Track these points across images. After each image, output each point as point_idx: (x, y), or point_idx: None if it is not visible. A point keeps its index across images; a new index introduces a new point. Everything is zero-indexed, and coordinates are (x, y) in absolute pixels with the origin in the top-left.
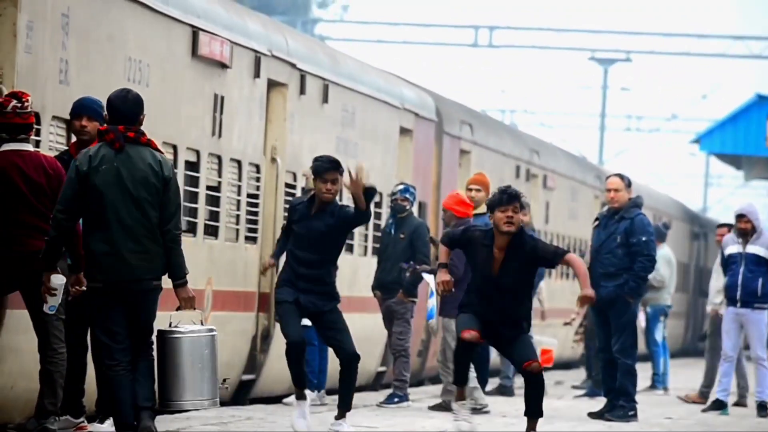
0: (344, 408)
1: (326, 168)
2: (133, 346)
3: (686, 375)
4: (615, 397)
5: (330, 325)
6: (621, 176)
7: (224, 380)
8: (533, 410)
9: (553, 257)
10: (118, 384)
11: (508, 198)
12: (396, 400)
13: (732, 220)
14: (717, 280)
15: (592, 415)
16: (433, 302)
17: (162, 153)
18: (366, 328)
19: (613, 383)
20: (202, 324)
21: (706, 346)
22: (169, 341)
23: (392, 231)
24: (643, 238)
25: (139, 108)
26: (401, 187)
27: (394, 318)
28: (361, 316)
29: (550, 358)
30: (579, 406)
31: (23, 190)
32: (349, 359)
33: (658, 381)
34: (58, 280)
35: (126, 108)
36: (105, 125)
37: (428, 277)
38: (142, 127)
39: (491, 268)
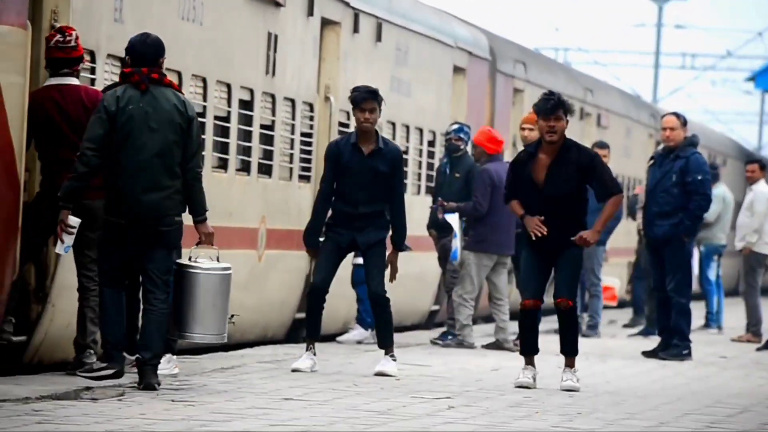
0: (383, 346)
1: (363, 97)
2: (140, 286)
3: (741, 314)
4: (669, 336)
5: (369, 258)
6: (677, 115)
7: (232, 316)
8: (567, 348)
9: (603, 188)
10: (110, 302)
11: (551, 107)
12: (450, 338)
13: None
14: (749, 218)
15: (646, 354)
16: (456, 243)
17: (183, 94)
18: (420, 267)
19: (667, 322)
20: (218, 261)
21: (743, 286)
22: (185, 275)
23: (447, 170)
24: (699, 177)
25: (160, 50)
26: (455, 126)
27: (449, 257)
28: (415, 255)
29: (613, 296)
30: (633, 345)
31: (60, 125)
32: (375, 299)
33: (712, 320)
34: (74, 221)
35: (147, 50)
36: (128, 68)
37: (450, 218)
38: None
39: (535, 178)
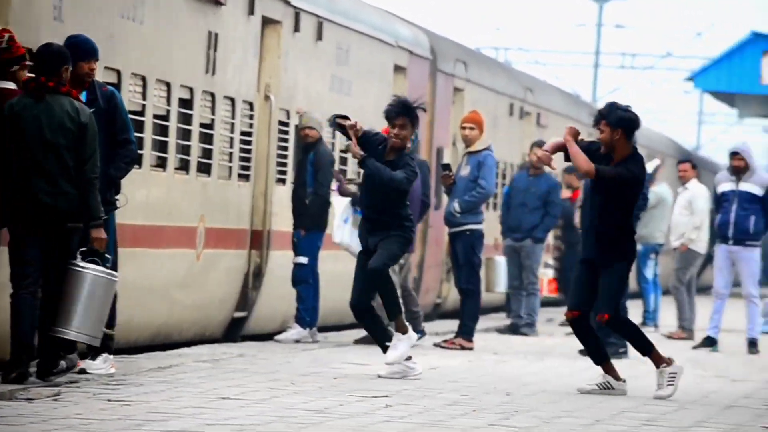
0: (390, 319)
1: (395, 112)
2: (48, 280)
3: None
4: (606, 334)
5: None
6: None
7: (111, 325)
8: (643, 348)
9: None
10: (21, 305)
11: (595, 120)
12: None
13: (726, 159)
14: (686, 216)
15: (583, 353)
16: (342, 225)
17: (81, 102)
18: None
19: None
20: (106, 267)
21: (673, 282)
22: (72, 273)
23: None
24: None
25: (61, 60)
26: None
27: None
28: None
29: (556, 288)
30: (570, 344)
31: None
32: (368, 272)
33: (648, 318)
34: None
35: (49, 59)
36: (33, 75)
37: (338, 200)
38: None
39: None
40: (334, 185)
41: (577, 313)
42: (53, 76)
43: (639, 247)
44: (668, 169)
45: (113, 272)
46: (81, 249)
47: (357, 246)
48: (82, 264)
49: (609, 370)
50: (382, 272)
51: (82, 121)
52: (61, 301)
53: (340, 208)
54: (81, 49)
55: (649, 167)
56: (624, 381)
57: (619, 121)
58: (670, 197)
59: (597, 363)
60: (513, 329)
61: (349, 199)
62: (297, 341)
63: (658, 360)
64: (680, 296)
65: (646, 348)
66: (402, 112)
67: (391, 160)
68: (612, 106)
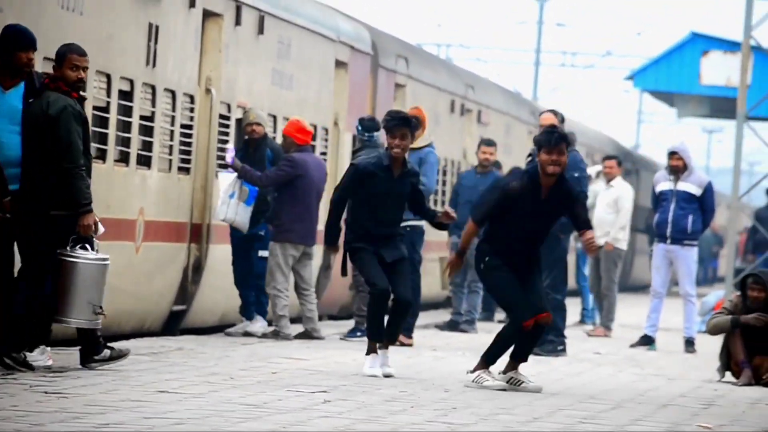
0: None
1: (394, 124)
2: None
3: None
4: (545, 332)
5: (395, 268)
6: (554, 112)
7: (100, 307)
8: (521, 355)
9: (577, 222)
10: None
11: (556, 140)
12: (359, 334)
13: (664, 158)
14: (611, 215)
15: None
16: (228, 201)
17: (74, 95)
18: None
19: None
20: (96, 252)
21: (606, 282)
22: (63, 263)
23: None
24: (576, 174)
25: (60, 53)
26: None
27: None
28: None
29: None
30: None
31: None
32: (400, 304)
33: (587, 316)
34: None
35: (55, 56)
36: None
37: (223, 175)
38: None
39: (535, 201)
40: (228, 158)
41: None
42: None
43: (578, 245)
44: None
45: (104, 257)
46: (72, 236)
47: (243, 222)
48: (73, 252)
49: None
50: (410, 303)
51: (51, 114)
52: (56, 289)
53: (225, 183)
54: (19, 39)
55: (592, 171)
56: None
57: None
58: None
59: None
60: (452, 326)
61: (235, 174)
62: (264, 335)
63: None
64: (612, 296)
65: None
66: (402, 123)
67: (403, 172)
68: (563, 131)
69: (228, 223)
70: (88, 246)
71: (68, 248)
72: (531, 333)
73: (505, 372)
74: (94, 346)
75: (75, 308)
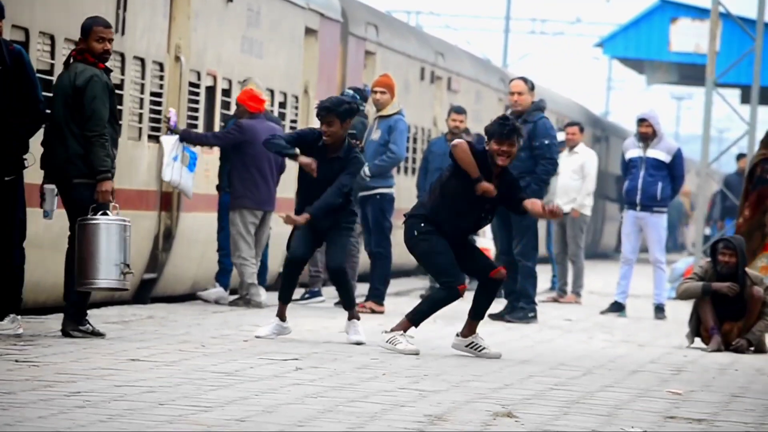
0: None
1: (321, 114)
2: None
3: (585, 278)
4: (515, 298)
5: (329, 238)
6: (524, 79)
7: (128, 266)
8: (480, 313)
9: (519, 208)
10: None
11: (508, 132)
12: (307, 296)
13: (634, 125)
14: (577, 181)
15: (493, 317)
16: (172, 163)
17: (101, 66)
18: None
19: (513, 285)
20: (117, 215)
21: (572, 249)
22: (85, 227)
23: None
24: (546, 141)
25: (85, 26)
26: (350, 92)
27: None
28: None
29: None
30: None
31: None
32: (331, 273)
33: (555, 283)
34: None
35: (81, 30)
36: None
37: (166, 138)
38: None
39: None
40: (172, 122)
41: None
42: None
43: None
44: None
45: (124, 219)
46: (92, 205)
47: (187, 186)
48: (94, 217)
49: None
50: (343, 270)
51: (77, 84)
52: (81, 255)
53: (168, 146)
54: None
55: (560, 136)
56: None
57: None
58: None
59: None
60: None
61: (177, 136)
62: (216, 301)
63: (474, 329)
64: (579, 262)
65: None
66: (328, 111)
67: (337, 157)
68: (514, 123)
69: (174, 186)
70: (107, 212)
71: (90, 214)
72: (488, 289)
73: (464, 335)
74: (80, 317)
75: (103, 270)
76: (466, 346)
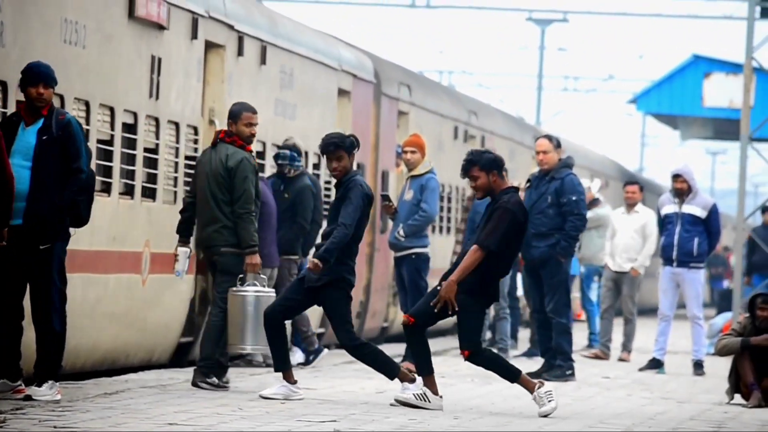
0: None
1: (330, 149)
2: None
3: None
4: (552, 356)
5: (325, 308)
6: (549, 137)
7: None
8: (511, 377)
9: (476, 238)
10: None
11: (463, 166)
12: (312, 357)
13: (669, 181)
14: (636, 240)
15: (530, 375)
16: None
17: (248, 149)
18: None
19: (549, 343)
20: (264, 287)
21: (629, 307)
22: (237, 297)
23: (281, 188)
24: (573, 198)
25: (236, 110)
26: (275, 153)
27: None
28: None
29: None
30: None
31: None
32: (347, 351)
33: (594, 340)
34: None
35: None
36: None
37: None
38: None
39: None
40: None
41: (413, 321)
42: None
43: (582, 269)
44: (612, 191)
45: (271, 291)
46: (240, 275)
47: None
48: (243, 288)
49: (430, 383)
50: (354, 347)
51: (229, 166)
52: (233, 321)
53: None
54: (27, 75)
55: (594, 187)
56: (441, 396)
57: (491, 163)
58: (610, 219)
59: (420, 373)
60: None
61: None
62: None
63: (529, 385)
64: (634, 321)
65: (514, 375)
66: (337, 147)
67: (340, 196)
68: (473, 152)
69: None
70: (256, 282)
71: (238, 284)
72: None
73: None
74: (210, 370)
75: (251, 336)
76: (414, 394)
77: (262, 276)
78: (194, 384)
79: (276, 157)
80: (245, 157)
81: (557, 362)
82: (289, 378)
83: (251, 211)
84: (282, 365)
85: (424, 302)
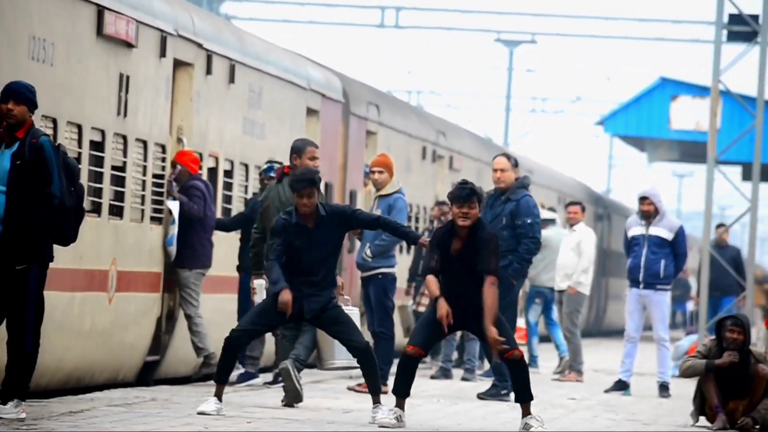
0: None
1: (301, 186)
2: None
3: (552, 354)
4: (500, 378)
5: (329, 321)
6: (507, 156)
7: None
8: (523, 395)
9: (480, 266)
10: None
11: (466, 194)
12: (281, 380)
13: (635, 203)
14: (573, 259)
15: (480, 396)
16: (174, 230)
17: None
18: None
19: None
20: (347, 306)
21: (567, 325)
22: None
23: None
24: (528, 220)
25: (299, 146)
26: (266, 166)
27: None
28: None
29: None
30: (483, 386)
31: None
32: (358, 353)
33: (532, 362)
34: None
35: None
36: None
37: (172, 204)
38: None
39: (451, 252)
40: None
41: (423, 353)
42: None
43: (527, 288)
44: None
45: (353, 308)
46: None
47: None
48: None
49: (402, 405)
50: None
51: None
52: (320, 341)
53: (175, 212)
54: (2, 90)
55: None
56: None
57: (482, 197)
58: (557, 240)
59: (400, 396)
60: (445, 373)
61: (178, 202)
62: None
63: (528, 410)
64: (576, 339)
65: (530, 396)
66: (311, 183)
67: (315, 224)
68: (472, 186)
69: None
70: (340, 303)
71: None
72: (510, 371)
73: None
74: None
75: (338, 352)
76: (522, 426)
77: (346, 297)
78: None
79: (269, 170)
80: None
81: (494, 381)
82: (220, 393)
83: None
84: (224, 378)
85: (424, 329)
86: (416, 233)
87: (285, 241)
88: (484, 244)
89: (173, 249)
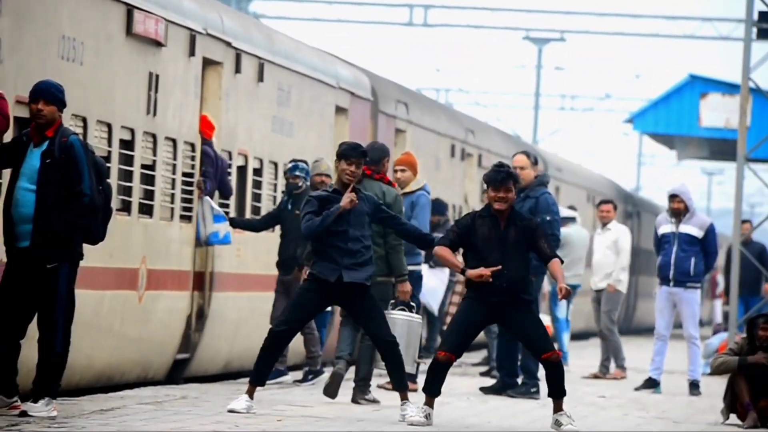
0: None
1: (350, 153)
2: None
3: (588, 353)
4: (507, 374)
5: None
6: (527, 153)
7: (420, 356)
8: (556, 391)
9: (542, 256)
10: None
11: (503, 178)
12: (311, 377)
13: (665, 200)
14: (610, 257)
15: (485, 390)
16: (219, 227)
17: (393, 185)
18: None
19: (509, 361)
20: (411, 312)
21: (606, 323)
22: (390, 320)
23: (289, 207)
24: (548, 218)
25: (382, 153)
26: (291, 165)
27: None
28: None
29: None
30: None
31: None
32: (382, 345)
33: (562, 359)
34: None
35: (372, 155)
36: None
37: (206, 201)
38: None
39: (496, 231)
40: (209, 184)
41: (454, 358)
42: (375, 166)
43: (548, 286)
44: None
45: (418, 315)
46: (391, 301)
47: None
48: (393, 312)
49: (431, 403)
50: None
51: (387, 201)
52: None
53: (207, 210)
54: (31, 91)
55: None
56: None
57: (517, 178)
58: (585, 237)
59: (431, 394)
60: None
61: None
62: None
63: (560, 406)
64: (614, 337)
65: (563, 392)
66: (363, 155)
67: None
68: (507, 169)
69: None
70: (405, 307)
71: (389, 308)
72: (546, 371)
73: (553, 411)
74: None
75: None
76: (553, 423)
77: (412, 303)
78: (354, 401)
79: (293, 168)
80: (398, 194)
81: (522, 380)
82: (252, 392)
83: (402, 243)
84: (260, 380)
85: (455, 334)
86: (431, 236)
87: (322, 209)
88: (532, 232)
89: (221, 244)
